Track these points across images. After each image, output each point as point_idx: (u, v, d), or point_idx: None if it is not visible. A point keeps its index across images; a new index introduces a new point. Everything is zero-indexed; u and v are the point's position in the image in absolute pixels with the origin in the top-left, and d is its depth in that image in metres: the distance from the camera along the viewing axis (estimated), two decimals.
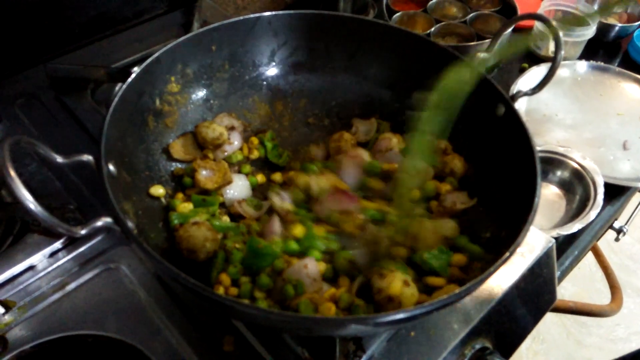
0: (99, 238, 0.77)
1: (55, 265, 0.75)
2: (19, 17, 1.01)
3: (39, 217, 0.48)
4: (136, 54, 1.10)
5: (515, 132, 0.69)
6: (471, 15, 1.25)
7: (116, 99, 0.65)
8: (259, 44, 0.85)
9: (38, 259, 0.75)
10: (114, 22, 1.16)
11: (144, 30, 1.18)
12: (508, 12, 1.28)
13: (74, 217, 0.78)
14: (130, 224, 0.56)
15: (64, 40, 1.10)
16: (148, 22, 1.20)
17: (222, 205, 0.78)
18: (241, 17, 0.81)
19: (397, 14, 1.25)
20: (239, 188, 0.79)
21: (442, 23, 1.23)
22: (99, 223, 0.54)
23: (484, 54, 0.80)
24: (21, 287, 0.73)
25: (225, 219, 0.75)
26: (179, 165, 0.80)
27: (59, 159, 0.57)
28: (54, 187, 0.83)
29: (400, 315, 0.49)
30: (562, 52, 0.71)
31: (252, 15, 0.81)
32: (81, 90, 0.99)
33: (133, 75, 0.70)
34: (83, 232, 0.53)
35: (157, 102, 0.77)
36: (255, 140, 0.85)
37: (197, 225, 0.67)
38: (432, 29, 1.20)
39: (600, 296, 2.06)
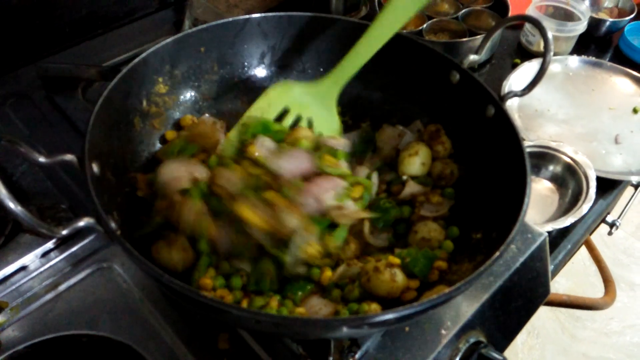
0: (91, 237, 0.77)
1: (47, 265, 0.75)
2: (9, 17, 1.00)
3: (18, 218, 0.48)
4: (127, 52, 1.09)
5: (505, 133, 0.69)
6: (463, 11, 1.26)
7: (101, 100, 0.64)
8: (249, 46, 0.84)
9: (30, 259, 0.74)
10: (105, 20, 1.15)
11: (135, 29, 1.17)
12: (500, 8, 1.28)
13: (66, 217, 0.78)
14: (113, 225, 0.55)
15: (55, 39, 1.09)
16: (139, 20, 1.19)
17: None
18: (230, 19, 0.80)
19: None
20: None
21: (434, 19, 1.23)
22: (81, 223, 0.54)
23: (473, 56, 0.80)
24: (13, 287, 0.72)
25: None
26: None
27: (42, 159, 0.56)
28: (45, 187, 0.83)
29: (390, 316, 0.49)
30: (551, 53, 0.71)
31: (241, 17, 0.81)
32: (72, 90, 0.99)
33: (118, 76, 0.68)
34: (64, 232, 0.52)
35: (144, 103, 0.76)
36: None
37: (167, 245, 0.63)
38: (424, 26, 1.21)
39: (595, 290, 2.06)
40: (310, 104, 0.81)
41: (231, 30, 0.82)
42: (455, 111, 0.80)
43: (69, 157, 0.58)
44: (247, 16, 0.81)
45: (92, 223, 0.54)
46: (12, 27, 1.02)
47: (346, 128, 0.89)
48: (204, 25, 0.79)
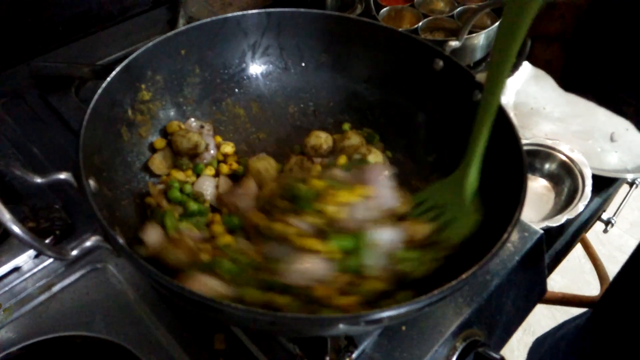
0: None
1: (41, 266, 0.74)
2: (1, 15, 0.99)
3: (27, 243, 0.48)
4: (121, 51, 1.09)
5: (499, 123, 0.69)
6: (458, 9, 1.25)
7: (89, 112, 0.63)
8: (229, 46, 0.83)
9: (23, 260, 0.74)
10: (98, 19, 1.14)
11: (129, 27, 1.16)
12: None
13: (60, 217, 0.77)
14: (120, 240, 0.55)
15: (48, 38, 1.08)
16: (133, 18, 1.18)
17: None
18: (208, 19, 0.79)
19: (385, 9, 1.25)
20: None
21: (430, 18, 1.23)
22: (88, 243, 0.54)
23: (454, 42, 0.79)
24: (7, 288, 0.72)
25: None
26: (153, 179, 0.77)
27: (37, 179, 0.55)
28: (39, 186, 0.81)
29: (387, 313, 0.48)
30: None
31: (219, 17, 0.80)
32: (65, 89, 0.98)
33: (103, 86, 0.67)
34: (73, 253, 0.52)
35: (130, 111, 0.75)
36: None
37: (175, 249, 0.62)
38: (420, 24, 1.20)
39: (590, 287, 2.07)
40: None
41: (210, 31, 0.80)
42: (442, 99, 0.79)
43: (65, 174, 0.57)
44: (224, 15, 0.80)
45: (99, 241, 0.54)
46: (4, 26, 1.01)
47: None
48: (182, 28, 0.78)
